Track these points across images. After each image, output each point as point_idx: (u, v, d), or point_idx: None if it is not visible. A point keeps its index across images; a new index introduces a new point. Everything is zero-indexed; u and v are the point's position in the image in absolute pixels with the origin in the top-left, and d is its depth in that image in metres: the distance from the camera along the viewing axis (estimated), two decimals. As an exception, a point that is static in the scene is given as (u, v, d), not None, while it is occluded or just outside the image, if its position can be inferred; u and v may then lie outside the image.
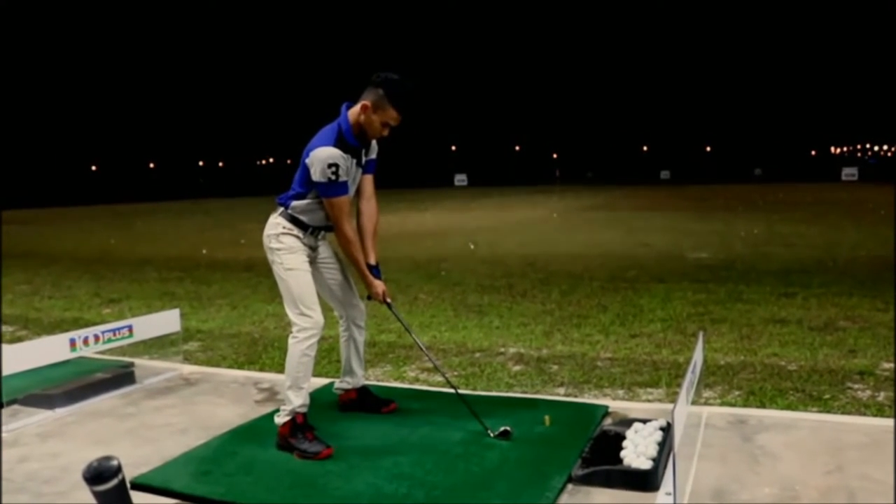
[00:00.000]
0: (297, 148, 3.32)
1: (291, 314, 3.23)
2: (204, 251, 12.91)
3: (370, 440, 3.25)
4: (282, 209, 3.31)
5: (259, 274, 9.05)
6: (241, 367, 4.91)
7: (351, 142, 3.20)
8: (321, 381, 4.09)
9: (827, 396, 3.90)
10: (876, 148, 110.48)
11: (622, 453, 2.87)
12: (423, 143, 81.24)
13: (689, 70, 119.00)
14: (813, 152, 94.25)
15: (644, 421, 3.18)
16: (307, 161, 3.17)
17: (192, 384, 4.38)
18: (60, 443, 3.43)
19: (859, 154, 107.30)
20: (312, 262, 3.37)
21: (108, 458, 2.02)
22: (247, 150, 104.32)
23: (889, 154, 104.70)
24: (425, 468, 2.92)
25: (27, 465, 3.14)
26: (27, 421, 3.72)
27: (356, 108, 3.19)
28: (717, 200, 24.69)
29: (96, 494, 2.02)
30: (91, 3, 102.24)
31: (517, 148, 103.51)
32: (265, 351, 5.35)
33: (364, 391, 3.69)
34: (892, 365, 4.42)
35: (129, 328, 4.33)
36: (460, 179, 56.21)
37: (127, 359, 4.73)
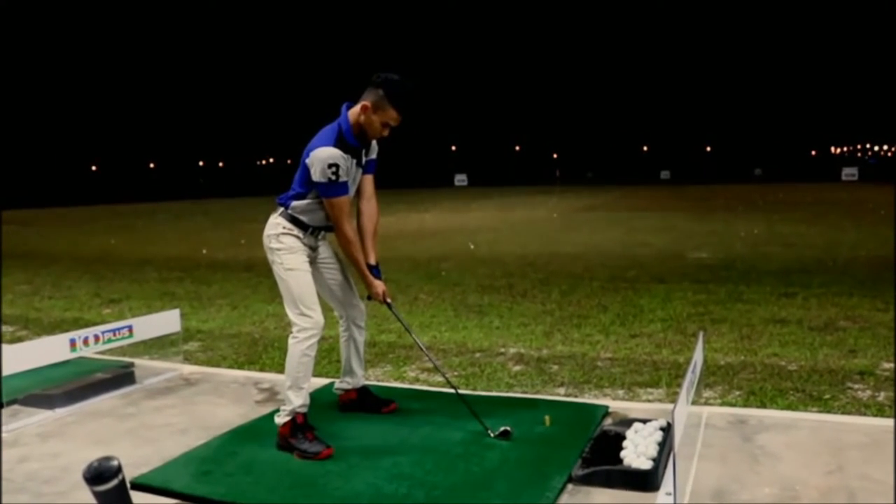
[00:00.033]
0: (297, 148, 3.32)
1: (291, 314, 3.23)
2: (204, 251, 12.91)
3: (370, 440, 3.25)
4: (282, 209, 3.31)
5: (259, 274, 9.04)
6: (241, 367, 4.91)
7: (351, 142, 3.20)
8: (321, 381, 4.09)
9: (827, 396, 3.90)
10: (876, 148, 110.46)
11: (622, 453, 2.87)
12: (423, 143, 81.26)
13: (689, 70, 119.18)
14: (813, 152, 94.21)
15: (644, 421, 3.18)
16: (307, 161, 3.17)
17: (192, 384, 4.39)
18: (60, 443, 3.43)
19: (859, 154, 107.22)
20: (312, 262, 3.37)
21: (109, 459, 2.02)
22: (247, 150, 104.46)
23: (889, 154, 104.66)
24: (425, 468, 2.92)
25: (27, 465, 3.14)
26: (27, 421, 3.72)
27: (356, 109, 3.19)
28: (717, 200, 24.68)
29: (96, 495, 2.02)
30: (91, 3, 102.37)
31: (517, 148, 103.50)
32: (265, 351, 5.35)
33: (364, 391, 3.69)
34: (892, 365, 4.42)
35: (130, 328, 4.33)
36: (460, 179, 56.17)
37: (127, 359, 4.73)
